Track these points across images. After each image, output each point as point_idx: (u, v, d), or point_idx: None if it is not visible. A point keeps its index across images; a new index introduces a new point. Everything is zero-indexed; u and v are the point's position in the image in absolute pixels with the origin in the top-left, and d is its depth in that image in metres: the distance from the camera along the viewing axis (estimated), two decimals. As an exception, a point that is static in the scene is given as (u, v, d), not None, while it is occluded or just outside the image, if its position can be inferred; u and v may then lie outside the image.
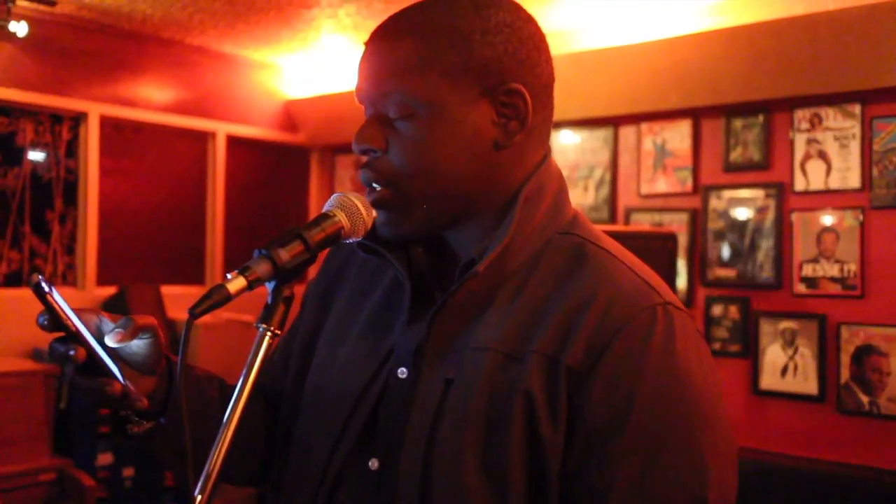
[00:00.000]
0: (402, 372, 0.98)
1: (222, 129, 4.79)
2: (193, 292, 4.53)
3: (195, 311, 0.84)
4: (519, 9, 1.01)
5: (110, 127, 4.34)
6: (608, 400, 0.89)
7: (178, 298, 4.41)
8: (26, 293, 3.93)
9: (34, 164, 4.06)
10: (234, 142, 4.89)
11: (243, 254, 4.75)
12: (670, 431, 0.89)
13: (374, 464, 0.98)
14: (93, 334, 0.92)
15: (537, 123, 1.01)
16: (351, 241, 1.00)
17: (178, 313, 4.30)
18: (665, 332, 0.92)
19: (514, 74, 0.97)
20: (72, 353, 0.88)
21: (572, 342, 0.91)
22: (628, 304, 0.92)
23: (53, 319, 0.88)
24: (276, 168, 5.25)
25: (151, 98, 4.50)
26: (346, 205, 0.98)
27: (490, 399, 0.91)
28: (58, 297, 0.88)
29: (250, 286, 0.88)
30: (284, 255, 0.91)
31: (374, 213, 1.01)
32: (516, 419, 0.90)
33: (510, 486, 0.90)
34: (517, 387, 0.91)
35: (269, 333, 0.91)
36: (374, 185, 0.99)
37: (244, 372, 0.91)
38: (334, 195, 1.00)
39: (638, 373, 0.90)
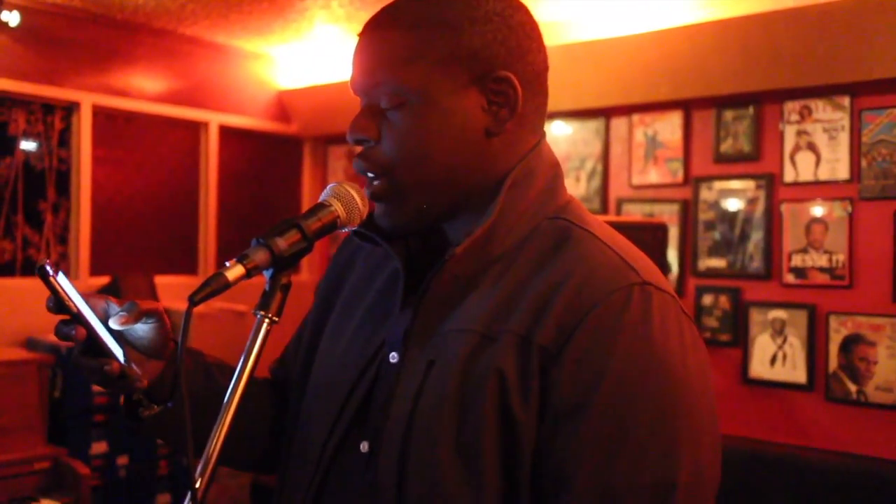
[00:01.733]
0: (394, 357, 1.00)
1: (215, 120, 4.78)
2: (187, 282, 4.54)
3: (195, 298, 0.86)
4: None
5: (103, 117, 4.34)
6: (576, 378, 0.88)
7: (171, 288, 4.41)
8: (20, 283, 3.94)
9: (26, 153, 4.05)
10: (226, 132, 4.88)
11: (236, 244, 4.77)
12: (639, 412, 0.88)
13: (364, 447, 0.99)
14: (100, 318, 0.95)
15: (529, 111, 1.02)
16: (347, 229, 1.02)
17: (172, 302, 4.30)
18: (640, 311, 0.90)
19: (504, 62, 0.98)
20: (73, 332, 0.91)
21: (545, 321, 0.90)
22: (603, 283, 0.92)
23: (58, 302, 0.91)
24: (269, 158, 5.25)
25: (144, 88, 4.50)
26: (342, 194, 1.00)
27: (465, 379, 0.92)
28: (63, 280, 0.91)
29: (248, 274, 0.90)
30: (282, 243, 0.93)
31: (369, 202, 1.03)
32: (488, 398, 0.90)
33: (483, 466, 0.90)
34: (491, 366, 0.91)
35: (266, 320, 0.93)
36: (369, 174, 1.01)
37: (242, 358, 0.93)
38: (330, 185, 1.02)
39: (608, 351, 0.88)
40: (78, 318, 0.92)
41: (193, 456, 0.87)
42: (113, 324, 0.95)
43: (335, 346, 1.10)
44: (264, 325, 0.93)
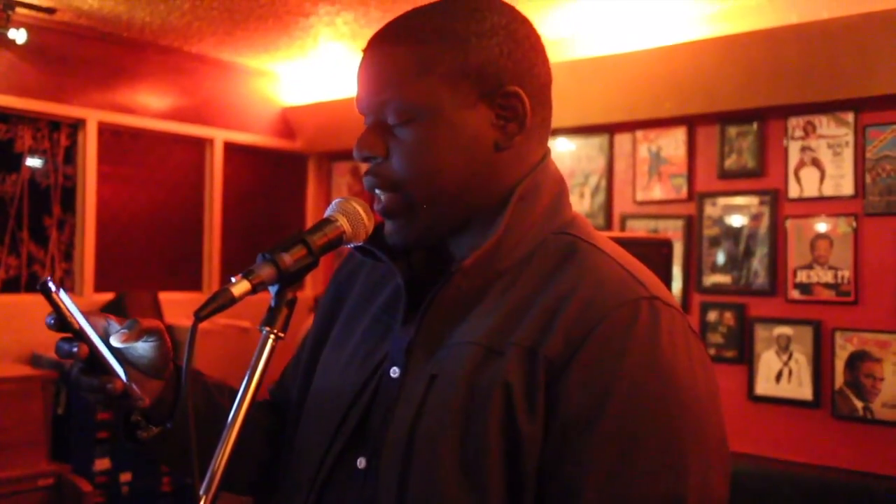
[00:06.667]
0: (395, 371, 0.98)
1: (220, 136, 4.80)
2: (191, 298, 4.54)
3: (200, 314, 0.85)
4: (513, 11, 1.01)
5: (108, 133, 4.36)
6: (585, 391, 0.87)
7: (175, 304, 4.41)
8: (25, 299, 3.95)
9: (32, 170, 4.07)
10: (231, 148, 4.90)
11: (241, 260, 4.77)
12: (648, 426, 0.86)
13: (361, 462, 0.98)
14: (100, 336, 0.94)
15: (536, 124, 1.01)
16: (352, 245, 1.02)
17: (176, 319, 4.31)
18: (648, 326, 0.89)
19: (511, 76, 0.97)
20: (74, 349, 0.90)
21: (552, 333, 0.89)
22: (611, 297, 0.91)
23: (59, 319, 0.90)
24: (274, 175, 5.26)
25: (149, 105, 4.52)
26: (348, 210, 1.00)
27: (470, 392, 0.91)
28: (65, 297, 0.90)
29: (254, 290, 0.89)
30: (288, 259, 0.92)
31: (375, 217, 1.02)
32: (493, 411, 0.88)
33: (488, 480, 0.88)
34: (497, 379, 0.89)
35: (272, 336, 0.92)
36: (378, 190, 1.00)
37: (248, 374, 0.92)
38: (336, 200, 1.01)
39: (616, 365, 0.87)
40: (80, 335, 0.91)
41: (198, 473, 0.86)
42: (114, 341, 0.94)
43: (336, 362, 1.09)
44: (270, 341, 0.92)
